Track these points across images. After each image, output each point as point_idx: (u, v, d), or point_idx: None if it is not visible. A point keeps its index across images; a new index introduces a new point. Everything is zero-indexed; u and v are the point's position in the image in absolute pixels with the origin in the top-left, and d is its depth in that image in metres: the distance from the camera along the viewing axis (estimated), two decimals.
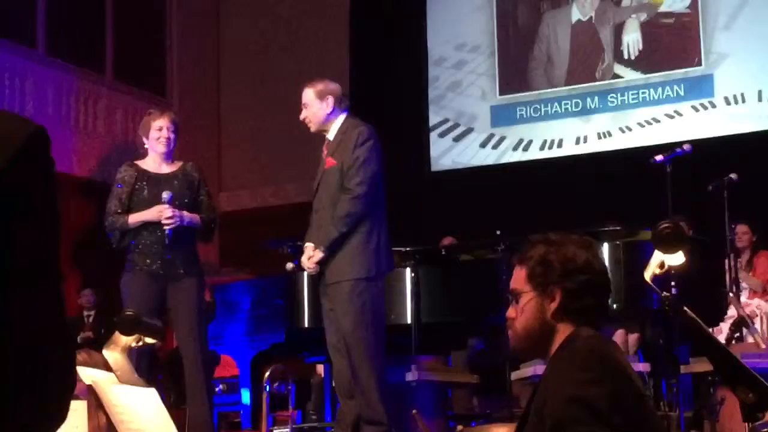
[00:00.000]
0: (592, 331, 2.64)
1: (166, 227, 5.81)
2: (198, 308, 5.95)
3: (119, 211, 5.93)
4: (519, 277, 2.70)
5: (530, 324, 2.67)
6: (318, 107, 5.73)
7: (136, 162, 6.09)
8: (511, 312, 2.72)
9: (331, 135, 5.78)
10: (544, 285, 2.64)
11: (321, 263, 5.61)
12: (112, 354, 3.57)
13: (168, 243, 5.81)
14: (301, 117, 5.82)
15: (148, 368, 5.65)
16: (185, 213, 5.90)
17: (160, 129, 5.96)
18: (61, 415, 1.55)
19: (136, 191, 5.96)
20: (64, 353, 1.56)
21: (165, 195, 5.86)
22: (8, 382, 1.46)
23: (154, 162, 6.05)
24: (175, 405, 7.69)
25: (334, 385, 5.90)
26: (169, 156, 6.04)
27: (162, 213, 5.82)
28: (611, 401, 2.42)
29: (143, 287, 5.85)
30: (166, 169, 6.02)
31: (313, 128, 5.81)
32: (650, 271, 2.90)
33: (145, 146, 6.09)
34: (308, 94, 5.76)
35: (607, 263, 6.37)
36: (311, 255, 5.64)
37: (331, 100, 5.72)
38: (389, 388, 5.71)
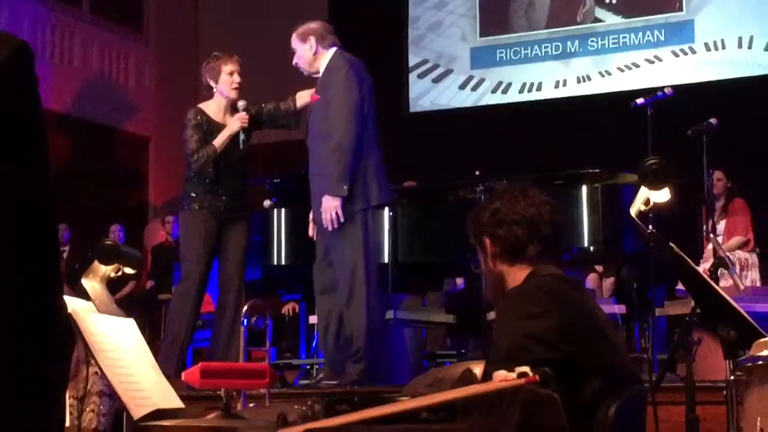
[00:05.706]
0: (552, 269, 2.76)
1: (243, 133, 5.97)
2: (247, 247, 6.09)
3: (202, 145, 5.98)
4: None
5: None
6: (302, 49, 5.84)
7: (200, 106, 6.13)
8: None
9: (321, 73, 5.85)
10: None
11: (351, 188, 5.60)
12: (90, 283, 3.55)
13: (243, 147, 5.96)
14: (293, 63, 5.89)
15: None
16: None
17: (232, 74, 6.05)
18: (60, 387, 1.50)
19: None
20: (58, 331, 1.51)
21: (241, 103, 6.01)
22: None
23: (218, 109, 6.10)
24: (149, 341, 7.67)
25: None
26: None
27: (243, 120, 5.97)
28: (559, 332, 2.54)
29: (203, 224, 5.95)
30: (229, 119, 6.07)
31: (305, 71, 5.89)
32: (636, 207, 2.89)
33: (213, 90, 6.10)
34: (293, 40, 5.87)
35: (584, 206, 6.39)
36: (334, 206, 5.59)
37: (312, 39, 5.82)
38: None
